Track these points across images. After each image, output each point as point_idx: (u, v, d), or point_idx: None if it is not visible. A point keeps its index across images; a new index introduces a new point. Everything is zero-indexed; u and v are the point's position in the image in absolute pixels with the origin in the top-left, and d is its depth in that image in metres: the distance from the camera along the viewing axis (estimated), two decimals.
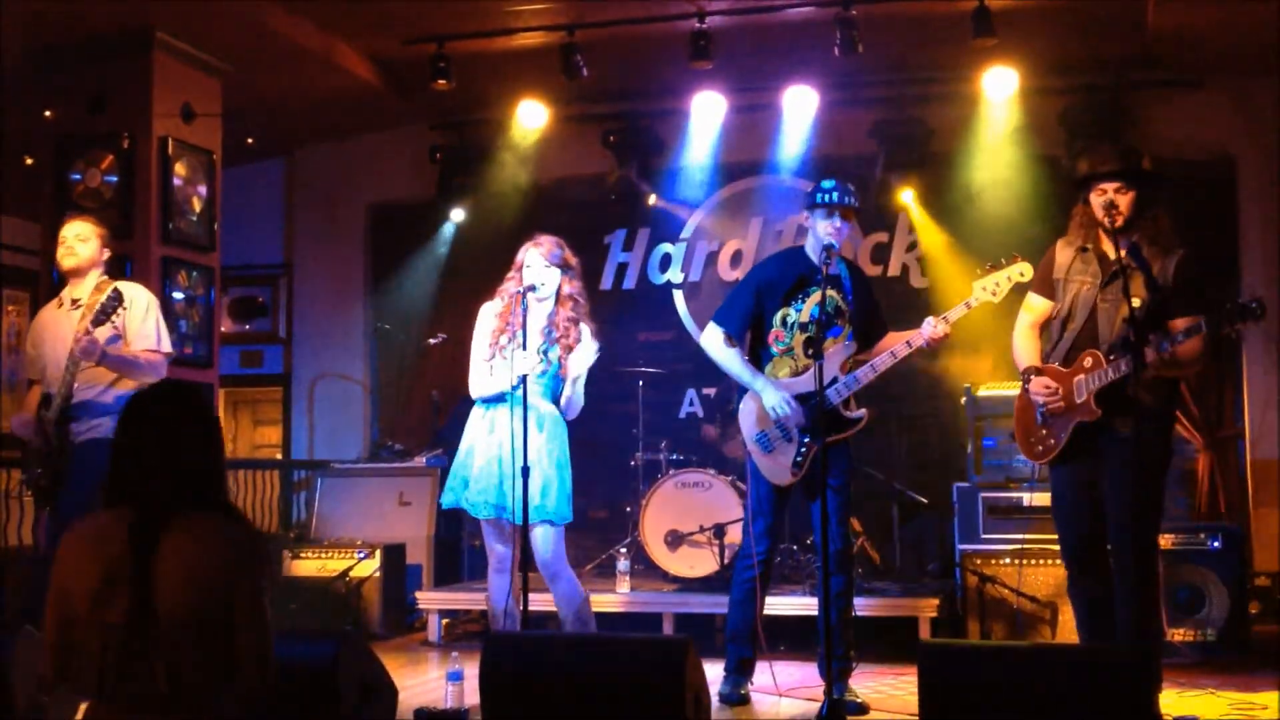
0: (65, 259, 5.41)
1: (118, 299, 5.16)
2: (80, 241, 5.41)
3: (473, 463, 5.16)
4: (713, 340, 5.17)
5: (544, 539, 5.12)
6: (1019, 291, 4.82)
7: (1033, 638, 6.11)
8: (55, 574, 2.78)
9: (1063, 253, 4.67)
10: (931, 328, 4.84)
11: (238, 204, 8.35)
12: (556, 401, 5.24)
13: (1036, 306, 4.73)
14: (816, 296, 4.96)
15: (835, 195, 4.96)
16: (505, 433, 5.09)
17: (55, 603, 2.77)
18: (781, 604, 6.18)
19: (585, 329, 5.25)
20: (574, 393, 5.21)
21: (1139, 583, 4.38)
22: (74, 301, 5.37)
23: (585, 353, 5.18)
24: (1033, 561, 6.21)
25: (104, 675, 2.70)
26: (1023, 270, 4.78)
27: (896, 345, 4.91)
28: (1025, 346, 4.72)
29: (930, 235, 8.27)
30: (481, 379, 5.21)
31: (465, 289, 8.92)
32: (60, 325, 5.32)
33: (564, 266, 5.25)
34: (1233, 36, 7.06)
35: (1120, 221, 4.43)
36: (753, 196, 8.67)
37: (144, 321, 5.40)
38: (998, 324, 5.13)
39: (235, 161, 8.13)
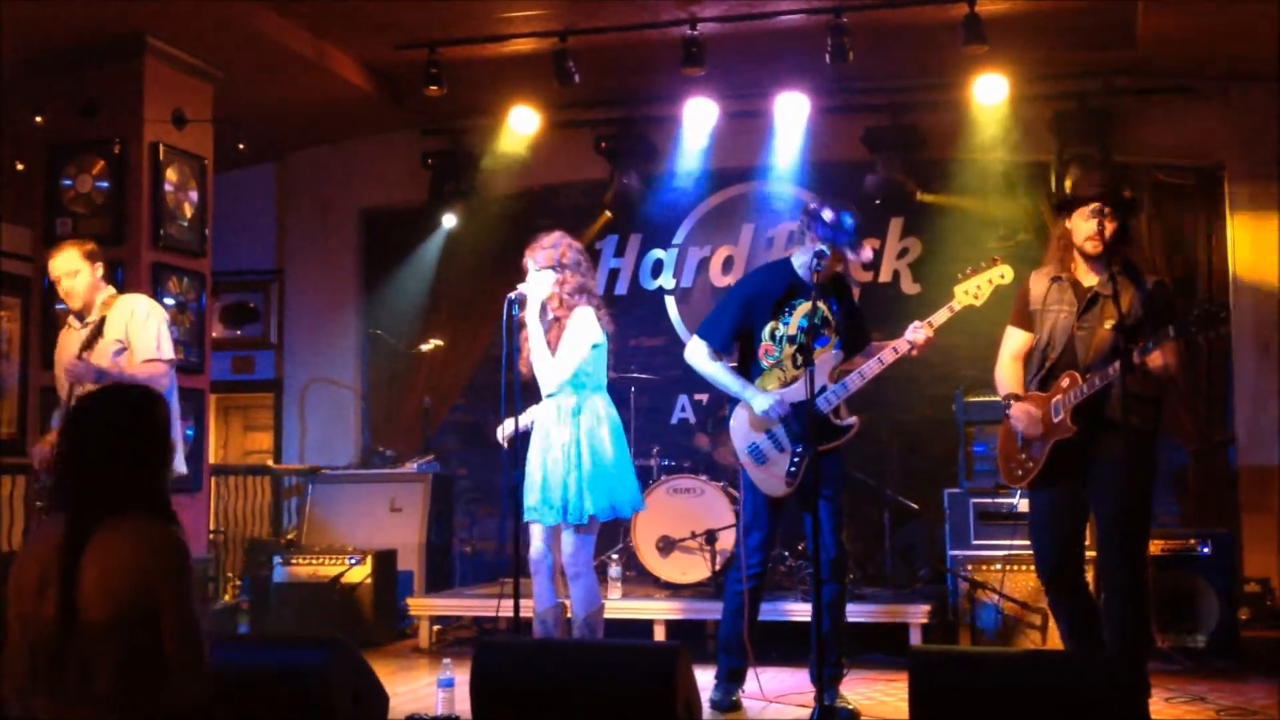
0: (71, 302, 5.41)
1: (99, 328, 5.25)
2: (72, 278, 5.37)
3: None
4: (697, 354, 5.16)
5: (568, 538, 5.24)
6: (1001, 294, 4.86)
7: (1023, 644, 6.12)
8: (9, 576, 2.86)
9: (1037, 284, 4.74)
10: (915, 332, 4.86)
11: (229, 209, 8.34)
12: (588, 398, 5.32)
13: (1016, 339, 4.81)
14: (803, 309, 4.98)
15: (850, 237, 4.91)
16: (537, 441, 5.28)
17: (10, 604, 2.84)
18: (773, 610, 6.18)
19: (579, 310, 5.28)
20: (542, 362, 5.28)
21: (1129, 596, 4.40)
22: (82, 321, 5.40)
23: (536, 337, 5.27)
24: (1024, 567, 6.21)
25: (36, 672, 2.76)
26: (1003, 273, 4.82)
27: (883, 352, 4.92)
28: (1006, 376, 4.79)
29: (920, 241, 8.30)
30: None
31: (457, 295, 8.97)
32: (71, 345, 5.35)
33: (557, 267, 5.27)
34: (1221, 43, 7.09)
35: (1102, 248, 4.52)
36: (744, 203, 8.68)
37: (144, 331, 5.38)
38: (990, 330, 5.13)
39: (227, 167, 8.12)
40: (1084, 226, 4.58)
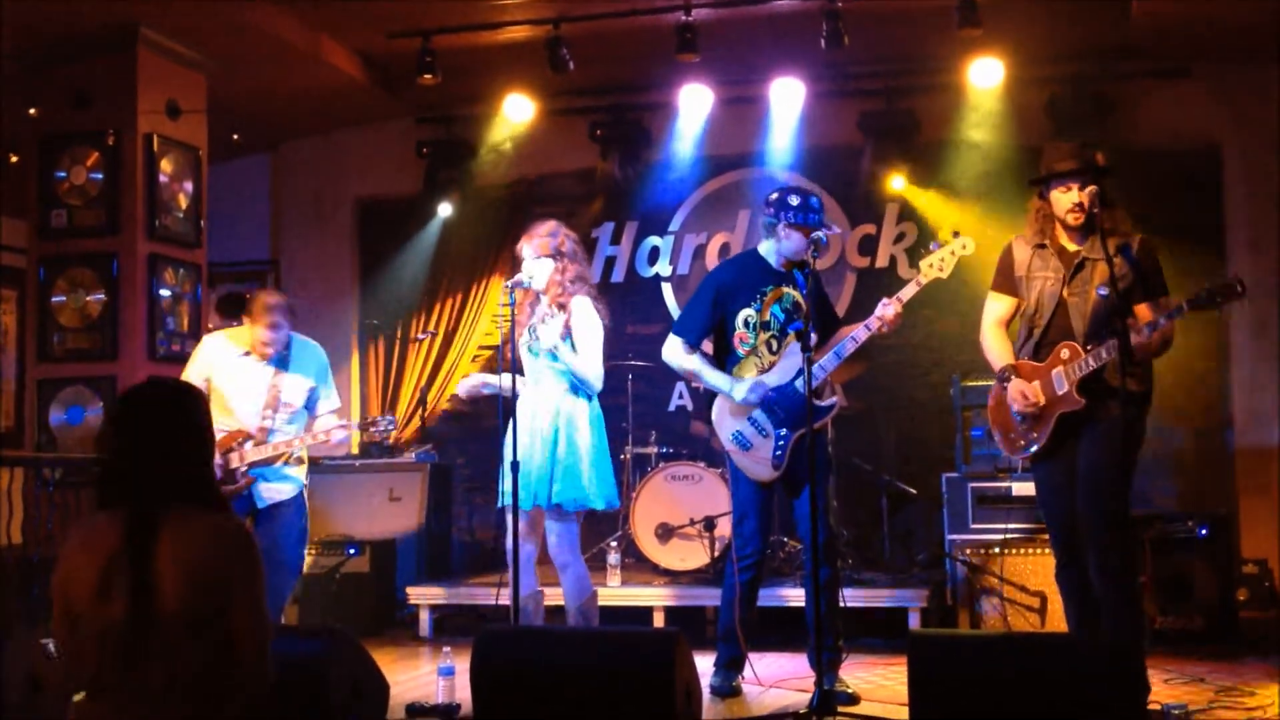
0: (269, 350, 5.44)
1: (283, 365, 5.48)
2: (280, 340, 5.45)
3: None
4: (674, 351, 5.22)
5: (550, 527, 5.26)
6: (987, 274, 4.88)
7: (1022, 627, 6.13)
8: (56, 576, 2.81)
9: (1020, 250, 4.74)
10: (885, 309, 4.90)
11: (224, 200, 8.32)
12: (575, 388, 5.31)
13: (999, 305, 4.80)
14: (773, 295, 5.09)
15: (814, 217, 5.04)
16: (523, 425, 5.23)
17: (58, 603, 2.80)
18: (771, 596, 6.19)
19: (577, 300, 5.30)
20: (572, 364, 5.25)
21: (1118, 573, 4.39)
22: (263, 353, 5.44)
23: (553, 324, 5.27)
24: (1022, 551, 6.23)
25: (104, 670, 2.72)
26: (965, 244, 4.88)
27: (856, 330, 4.96)
28: (996, 345, 4.78)
29: (916, 225, 8.30)
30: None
31: (453, 283, 8.96)
32: (250, 376, 5.43)
33: (556, 255, 5.29)
34: (1216, 25, 7.07)
35: (1084, 218, 4.53)
36: (740, 189, 8.66)
37: (331, 380, 5.70)
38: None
39: (221, 157, 8.11)
40: (1064, 199, 4.57)
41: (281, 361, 5.48)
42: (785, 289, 5.09)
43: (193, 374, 5.49)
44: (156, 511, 2.77)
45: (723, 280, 5.22)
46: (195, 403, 2.99)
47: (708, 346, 5.32)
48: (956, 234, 4.91)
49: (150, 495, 2.80)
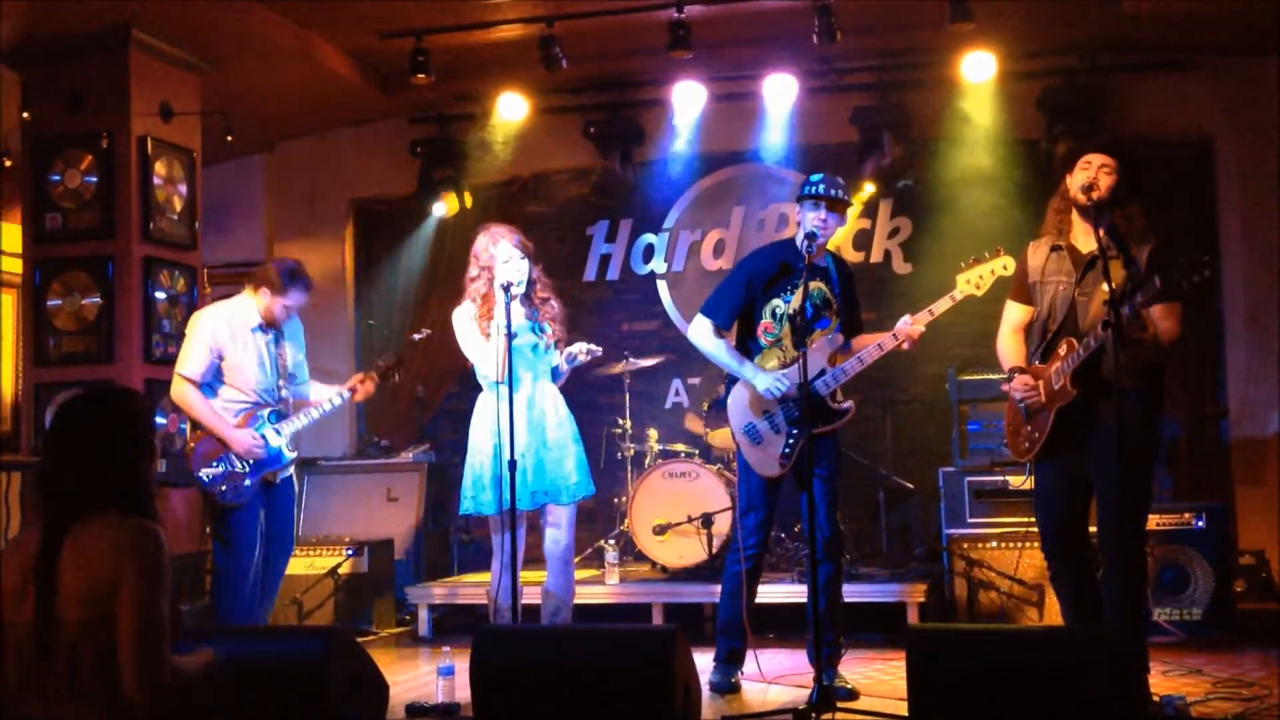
0: (288, 316, 5.69)
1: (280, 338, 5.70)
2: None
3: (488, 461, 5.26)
4: (701, 331, 5.19)
5: (563, 521, 5.34)
6: (1001, 284, 4.87)
7: (1020, 621, 6.14)
8: None
9: (1035, 256, 4.70)
10: (911, 326, 4.94)
11: (218, 201, 8.32)
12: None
13: (1014, 313, 4.78)
14: (805, 288, 5.02)
15: (821, 187, 5.00)
16: (522, 421, 5.19)
17: None
18: (770, 592, 6.20)
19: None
20: (560, 362, 5.43)
21: (1127, 571, 4.38)
22: (284, 318, 5.68)
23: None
24: (1019, 545, 6.23)
25: (16, 673, 2.78)
26: (1005, 264, 4.85)
27: (883, 338, 4.97)
28: (1008, 350, 4.76)
29: (910, 220, 8.31)
30: (492, 361, 5.26)
31: (448, 282, 8.95)
32: (262, 349, 5.61)
33: (528, 253, 5.39)
34: (1209, 18, 7.08)
35: (1095, 198, 4.40)
36: (734, 186, 8.68)
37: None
38: (982, 307, 5.15)
39: (215, 159, 8.10)
40: (1081, 175, 4.48)
41: (279, 333, 5.67)
42: (817, 284, 5.03)
43: (204, 349, 5.48)
44: (67, 518, 2.82)
45: (756, 267, 5.19)
46: (125, 410, 2.99)
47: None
48: (999, 251, 4.88)
49: (65, 504, 2.85)
